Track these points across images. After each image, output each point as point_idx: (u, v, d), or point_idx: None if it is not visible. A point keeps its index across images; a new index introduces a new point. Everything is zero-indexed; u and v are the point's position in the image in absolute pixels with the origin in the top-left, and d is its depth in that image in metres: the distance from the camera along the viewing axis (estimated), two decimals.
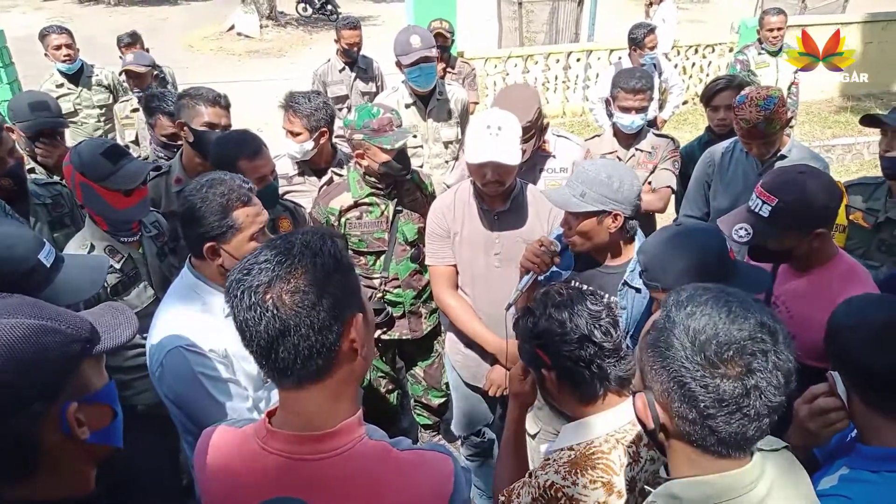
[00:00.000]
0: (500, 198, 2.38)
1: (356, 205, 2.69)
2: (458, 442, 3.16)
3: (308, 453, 1.07)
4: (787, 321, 1.97)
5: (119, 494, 1.18)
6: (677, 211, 3.57)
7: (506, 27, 10.06)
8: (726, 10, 14.48)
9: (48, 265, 1.60)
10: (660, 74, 5.36)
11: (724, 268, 1.75)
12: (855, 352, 1.35)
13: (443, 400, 3.15)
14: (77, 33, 4.96)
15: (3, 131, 2.42)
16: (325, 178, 2.98)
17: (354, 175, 2.71)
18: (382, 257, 2.77)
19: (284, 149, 3.00)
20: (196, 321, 1.74)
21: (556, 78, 8.49)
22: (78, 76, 4.75)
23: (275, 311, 1.00)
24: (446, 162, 3.77)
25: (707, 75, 8.76)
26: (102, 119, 4.86)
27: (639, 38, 5.24)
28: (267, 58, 13.06)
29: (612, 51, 8.26)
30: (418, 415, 3.27)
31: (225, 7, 15.46)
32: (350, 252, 2.72)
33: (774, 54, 5.29)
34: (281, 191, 2.77)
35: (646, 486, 1.26)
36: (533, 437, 2.31)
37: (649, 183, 3.39)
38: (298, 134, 2.88)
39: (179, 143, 3.07)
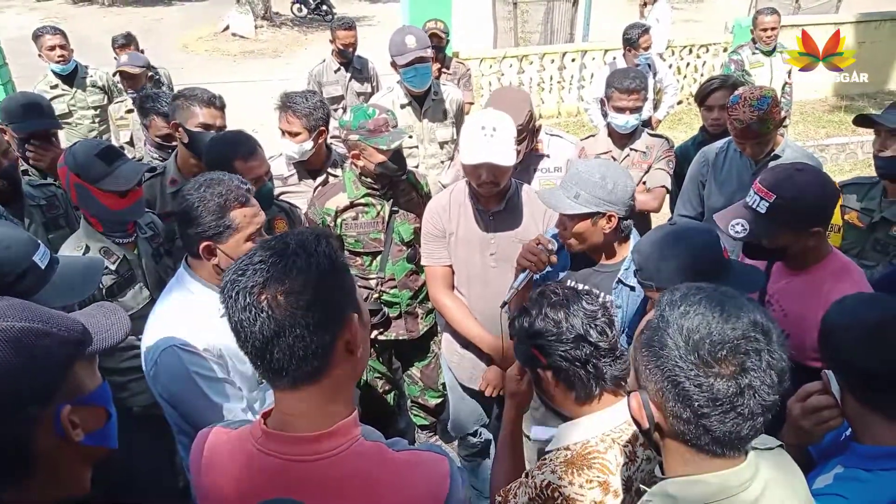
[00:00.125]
0: (496, 198, 2.39)
1: (352, 205, 2.69)
2: (455, 442, 3.17)
3: (304, 454, 1.07)
4: (780, 320, 1.98)
5: (116, 496, 1.17)
6: (672, 211, 3.58)
7: (501, 27, 10.07)
8: (721, 10, 14.53)
9: (43, 267, 1.59)
10: (654, 74, 5.38)
11: (718, 267, 1.76)
12: (848, 351, 1.35)
13: (439, 400, 3.15)
14: (71, 34, 4.94)
15: None
16: (320, 179, 2.98)
17: (350, 176, 2.71)
18: (379, 258, 2.77)
19: (281, 149, 2.98)
20: (191, 321, 1.74)
21: (552, 78, 8.50)
22: (72, 77, 4.74)
23: (270, 312, 1.00)
24: (442, 162, 3.77)
25: (701, 75, 8.78)
26: (97, 120, 4.85)
27: (633, 39, 5.25)
28: (262, 58, 13.04)
29: (606, 51, 8.28)
30: (415, 415, 3.27)
31: (220, 7, 15.44)
32: (346, 253, 2.72)
33: (768, 54, 5.31)
34: (276, 192, 2.77)
35: (641, 486, 1.27)
36: (529, 437, 2.32)
37: (644, 183, 3.40)
38: (298, 134, 2.85)
39: (174, 144, 3.06)
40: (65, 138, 4.27)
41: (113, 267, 2.22)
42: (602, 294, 2.12)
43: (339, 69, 5.17)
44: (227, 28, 14.35)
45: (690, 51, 8.83)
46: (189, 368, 1.69)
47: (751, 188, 1.99)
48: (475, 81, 7.18)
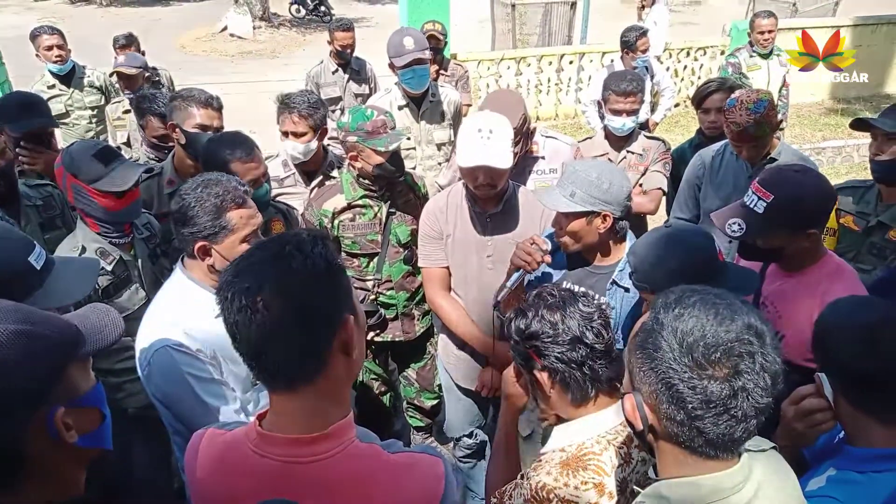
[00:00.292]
0: (493, 200, 2.39)
1: (349, 207, 2.69)
2: (451, 444, 3.16)
3: (299, 456, 1.07)
4: (775, 321, 1.99)
5: (111, 497, 1.17)
6: (668, 213, 3.58)
7: (499, 29, 10.09)
8: (718, 13, 14.56)
9: (38, 267, 1.59)
10: (651, 77, 5.39)
11: (713, 269, 1.76)
12: (841, 354, 1.35)
13: (435, 402, 3.15)
14: (69, 34, 4.93)
15: None
16: (316, 180, 2.98)
17: (348, 177, 2.71)
18: (375, 259, 2.77)
19: (283, 150, 2.97)
20: (185, 321, 1.74)
21: (549, 80, 8.51)
22: (70, 77, 4.73)
23: (265, 313, 1.00)
24: (439, 164, 3.77)
25: (698, 78, 8.79)
26: (94, 120, 4.84)
27: (631, 41, 5.26)
28: (260, 59, 13.03)
29: (604, 53, 8.30)
30: (411, 417, 3.27)
31: (217, 8, 15.42)
32: (343, 254, 2.72)
33: (765, 57, 5.32)
34: (272, 193, 2.76)
35: (635, 487, 1.27)
36: (525, 438, 2.32)
37: (640, 185, 3.40)
38: (304, 134, 2.85)
39: (170, 144, 3.05)
40: (62, 139, 4.27)
41: (109, 268, 2.22)
42: (598, 296, 2.12)
43: (336, 70, 5.17)
44: (224, 29, 14.33)
45: (688, 53, 8.85)
46: (182, 369, 1.69)
47: (748, 190, 2.00)
48: (473, 83, 7.19)
